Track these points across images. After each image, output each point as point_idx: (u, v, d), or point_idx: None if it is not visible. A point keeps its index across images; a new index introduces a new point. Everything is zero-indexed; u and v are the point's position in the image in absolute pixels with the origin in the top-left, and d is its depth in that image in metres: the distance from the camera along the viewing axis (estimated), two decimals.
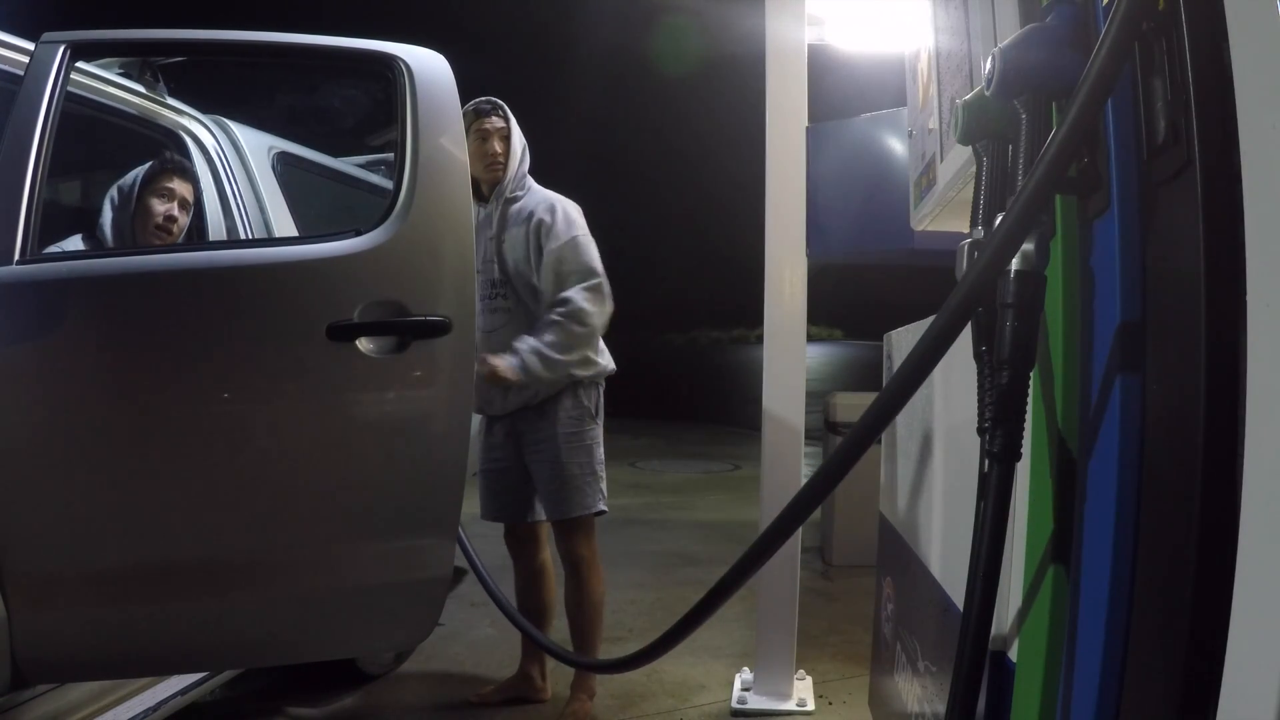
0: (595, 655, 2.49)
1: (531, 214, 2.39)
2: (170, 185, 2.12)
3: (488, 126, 2.40)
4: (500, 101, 2.44)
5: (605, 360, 2.46)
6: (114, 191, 2.13)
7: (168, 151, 2.19)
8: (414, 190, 1.63)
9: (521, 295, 2.40)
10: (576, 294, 2.32)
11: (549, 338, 2.29)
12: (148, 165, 2.12)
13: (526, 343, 2.28)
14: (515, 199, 2.44)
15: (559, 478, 2.38)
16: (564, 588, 2.52)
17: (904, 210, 1.91)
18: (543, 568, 2.57)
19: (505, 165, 2.41)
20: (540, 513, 2.51)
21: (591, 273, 2.36)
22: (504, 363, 2.26)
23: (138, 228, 2.10)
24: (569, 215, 2.41)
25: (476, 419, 2.51)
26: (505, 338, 2.36)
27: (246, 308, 1.59)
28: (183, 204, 2.14)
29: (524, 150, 2.47)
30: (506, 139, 2.41)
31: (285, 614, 1.65)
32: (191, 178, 2.20)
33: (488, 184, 2.44)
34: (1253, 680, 0.60)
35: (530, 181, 2.49)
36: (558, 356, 2.29)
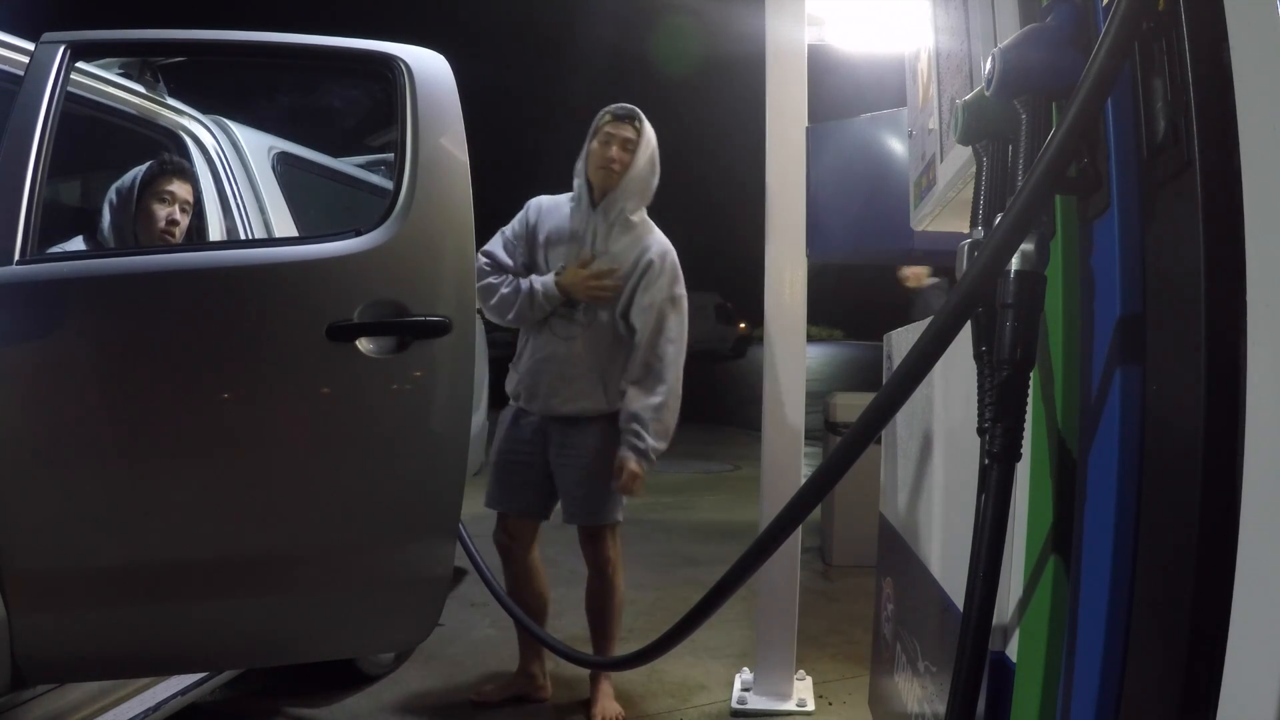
0: (611, 655, 2.50)
1: (643, 253, 2.39)
2: (170, 188, 2.11)
3: (612, 131, 2.36)
4: (639, 114, 2.39)
5: None
6: (112, 194, 2.12)
7: (166, 153, 2.19)
8: (414, 190, 1.63)
9: (600, 317, 2.40)
10: (674, 379, 2.38)
11: (653, 415, 2.35)
12: (145, 167, 2.12)
13: (644, 436, 2.34)
14: (627, 226, 2.40)
15: (589, 485, 2.40)
16: (586, 588, 2.53)
17: (904, 210, 1.90)
18: (534, 565, 2.56)
19: (620, 174, 2.35)
20: (543, 511, 2.51)
21: (683, 343, 2.43)
22: (633, 464, 2.33)
23: (139, 231, 2.10)
24: (676, 269, 2.43)
25: (476, 419, 2.52)
26: (578, 350, 2.39)
27: (246, 308, 1.59)
28: (183, 206, 2.14)
29: (650, 175, 2.41)
30: (631, 151, 2.36)
31: (285, 614, 1.65)
32: (191, 178, 2.19)
33: (599, 190, 2.39)
34: (1253, 680, 0.60)
35: (645, 214, 2.46)
36: (660, 439, 2.37)
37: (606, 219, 2.39)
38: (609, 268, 2.37)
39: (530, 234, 2.48)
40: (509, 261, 2.47)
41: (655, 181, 2.44)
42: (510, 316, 2.44)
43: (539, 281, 2.39)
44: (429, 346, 1.62)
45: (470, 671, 2.85)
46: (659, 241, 2.44)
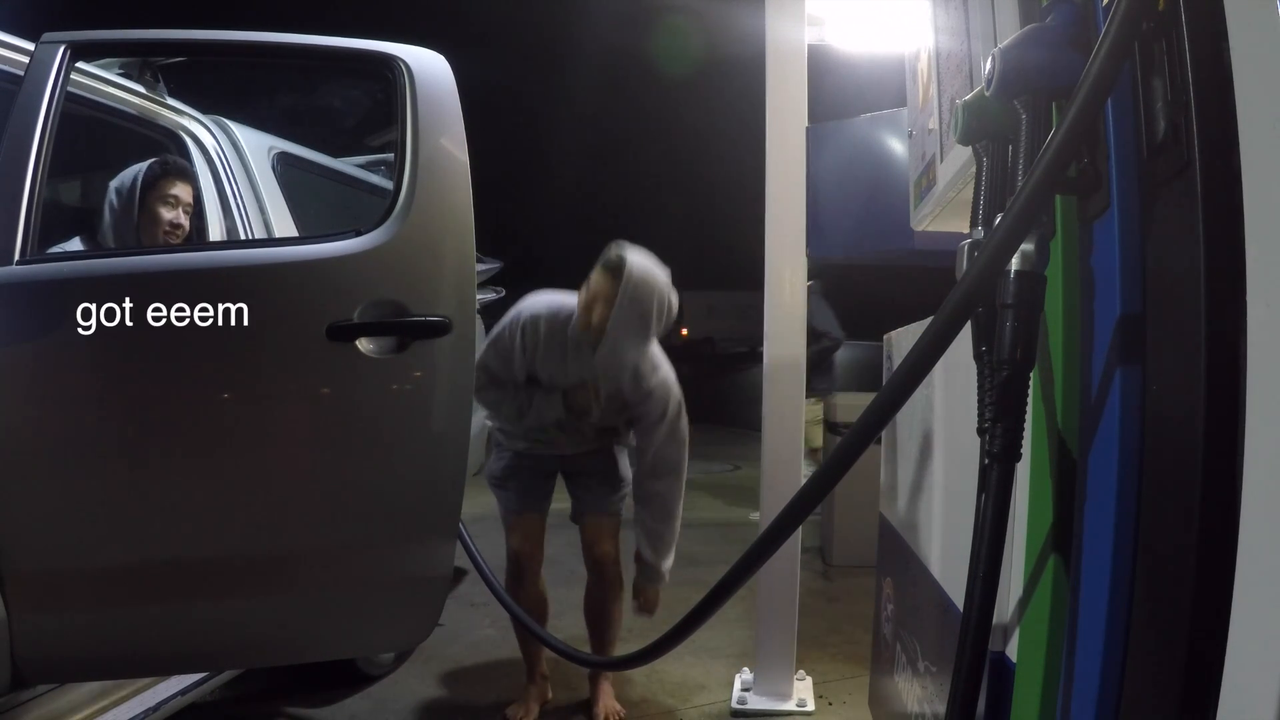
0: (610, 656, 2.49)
1: (645, 397, 2.31)
2: (174, 192, 2.11)
3: (591, 282, 2.21)
4: (624, 260, 2.15)
5: None
6: (112, 196, 2.11)
7: (168, 155, 2.18)
8: (414, 190, 1.63)
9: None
10: (675, 506, 2.39)
11: (661, 544, 2.39)
12: (145, 167, 2.11)
13: (657, 568, 2.39)
14: (625, 365, 2.26)
15: (615, 474, 2.47)
16: (586, 592, 2.53)
17: (904, 210, 1.91)
18: (541, 570, 2.55)
19: (597, 331, 2.19)
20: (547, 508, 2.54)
21: (682, 472, 2.42)
22: (654, 591, 2.43)
23: (143, 235, 2.10)
24: (679, 412, 2.37)
25: (476, 419, 2.51)
26: (587, 433, 2.41)
27: (247, 308, 1.59)
28: (186, 209, 2.14)
29: (639, 320, 2.17)
30: (609, 303, 2.15)
31: (285, 614, 1.65)
32: (192, 179, 2.19)
33: (591, 334, 2.24)
34: (1253, 680, 0.60)
35: (650, 350, 2.31)
36: (668, 559, 2.42)
37: (605, 365, 2.25)
38: (614, 392, 2.31)
39: (531, 351, 2.32)
40: (506, 375, 2.36)
41: (652, 320, 2.20)
42: (517, 428, 2.43)
43: (546, 406, 2.33)
44: (429, 346, 1.62)
45: (470, 671, 2.85)
46: (661, 385, 2.33)
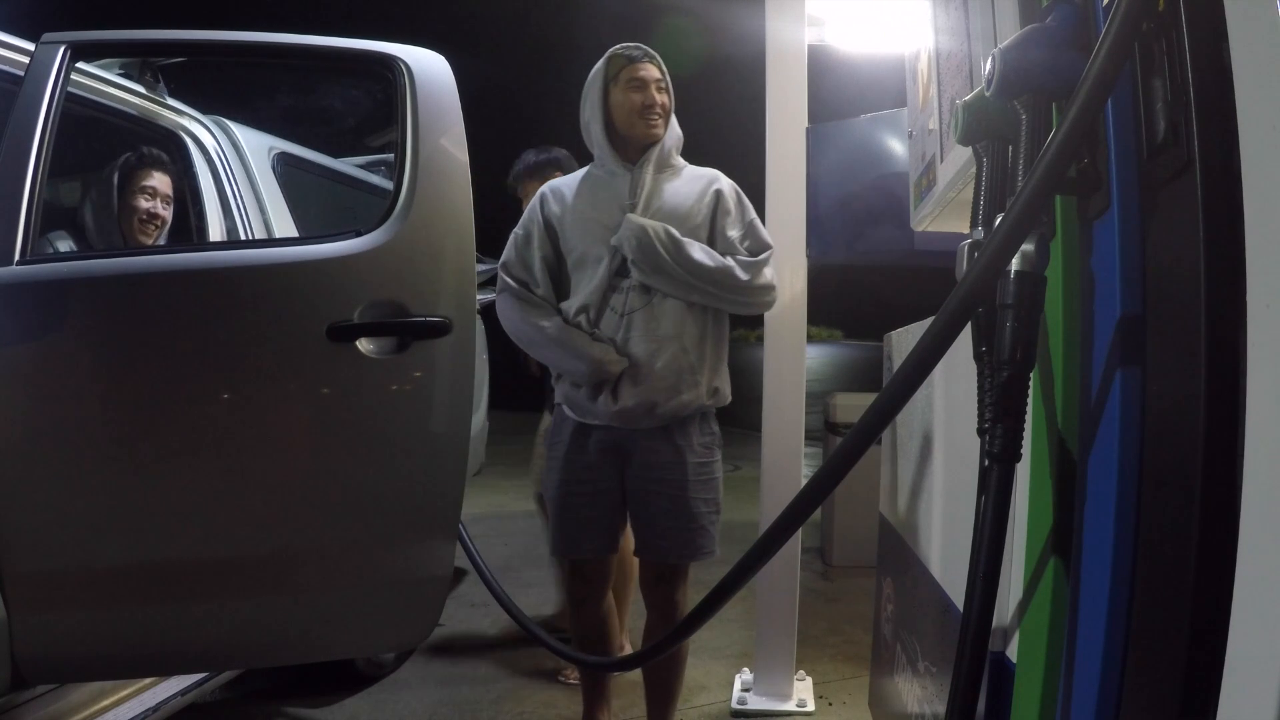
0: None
1: (709, 184, 2.04)
2: (151, 184, 2.12)
3: (643, 74, 1.99)
4: (653, 51, 2.03)
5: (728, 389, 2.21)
6: (91, 191, 2.12)
7: (144, 148, 2.18)
8: (414, 191, 1.63)
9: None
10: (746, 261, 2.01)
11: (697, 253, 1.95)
12: (121, 161, 2.12)
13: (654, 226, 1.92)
14: (675, 171, 2.06)
15: (685, 514, 1.97)
16: (647, 635, 2.16)
17: (904, 210, 1.90)
18: (611, 609, 2.18)
19: (665, 122, 2.02)
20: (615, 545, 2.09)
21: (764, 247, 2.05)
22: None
23: (124, 229, 2.10)
24: (743, 197, 2.09)
25: (476, 419, 2.49)
26: (645, 320, 1.98)
27: (246, 308, 1.59)
28: (165, 200, 2.15)
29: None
30: (667, 93, 2.02)
31: (285, 615, 1.65)
32: (169, 170, 2.20)
33: (637, 144, 2.01)
34: (1253, 680, 0.60)
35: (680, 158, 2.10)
36: (695, 257, 1.93)
37: (657, 173, 2.00)
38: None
39: (548, 228, 2.06)
40: (535, 279, 2.05)
41: None
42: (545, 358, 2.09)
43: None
44: (429, 347, 1.62)
45: (470, 672, 2.85)
46: (712, 173, 2.08)
